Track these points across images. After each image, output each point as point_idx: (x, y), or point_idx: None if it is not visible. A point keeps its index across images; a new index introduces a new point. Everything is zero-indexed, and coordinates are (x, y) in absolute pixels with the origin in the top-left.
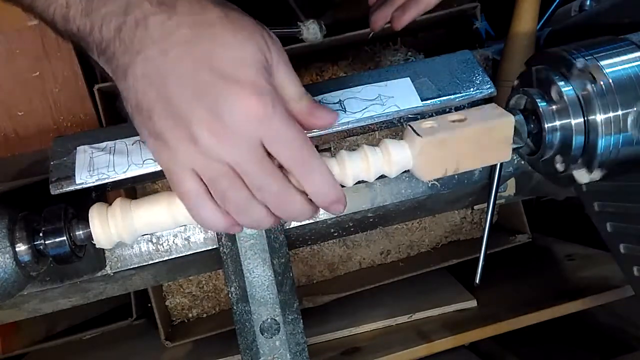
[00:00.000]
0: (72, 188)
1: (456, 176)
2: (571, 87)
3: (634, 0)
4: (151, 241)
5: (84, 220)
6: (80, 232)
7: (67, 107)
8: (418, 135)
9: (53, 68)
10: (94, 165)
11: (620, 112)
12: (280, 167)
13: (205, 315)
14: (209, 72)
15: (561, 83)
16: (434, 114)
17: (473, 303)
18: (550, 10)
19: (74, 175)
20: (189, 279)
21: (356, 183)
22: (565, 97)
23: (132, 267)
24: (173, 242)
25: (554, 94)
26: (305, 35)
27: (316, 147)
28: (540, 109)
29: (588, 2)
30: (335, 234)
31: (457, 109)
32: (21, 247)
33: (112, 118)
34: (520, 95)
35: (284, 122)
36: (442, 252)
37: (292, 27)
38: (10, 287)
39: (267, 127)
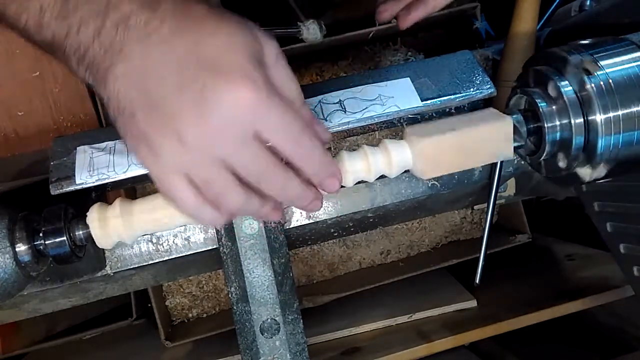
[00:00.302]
0: (72, 188)
1: (456, 176)
2: (571, 87)
3: (634, 0)
4: (151, 241)
5: (84, 220)
6: (80, 232)
7: (67, 107)
8: (418, 135)
9: (53, 68)
10: (94, 166)
11: (620, 112)
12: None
13: (205, 315)
14: (194, 64)
15: (561, 83)
16: (434, 114)
17: (473, 303)
18: (550, 10)
19: (74, 176)
20: (189, 279)
21: (356, 183)
22: (565, 97)
23: (132, 267)
24: (173, 242)
25: (553, 94)
26: (305, 35)
27: None
28: (540, 109)
29: (588, 2)
30: (335, 234)
31: (457, 109)
32: (21, 247)
33: None
34: (520, 95)
35: (281, 108)
36: (442, 252)
37: (292, 27)
38: (10, 287)
39: (263, 115)
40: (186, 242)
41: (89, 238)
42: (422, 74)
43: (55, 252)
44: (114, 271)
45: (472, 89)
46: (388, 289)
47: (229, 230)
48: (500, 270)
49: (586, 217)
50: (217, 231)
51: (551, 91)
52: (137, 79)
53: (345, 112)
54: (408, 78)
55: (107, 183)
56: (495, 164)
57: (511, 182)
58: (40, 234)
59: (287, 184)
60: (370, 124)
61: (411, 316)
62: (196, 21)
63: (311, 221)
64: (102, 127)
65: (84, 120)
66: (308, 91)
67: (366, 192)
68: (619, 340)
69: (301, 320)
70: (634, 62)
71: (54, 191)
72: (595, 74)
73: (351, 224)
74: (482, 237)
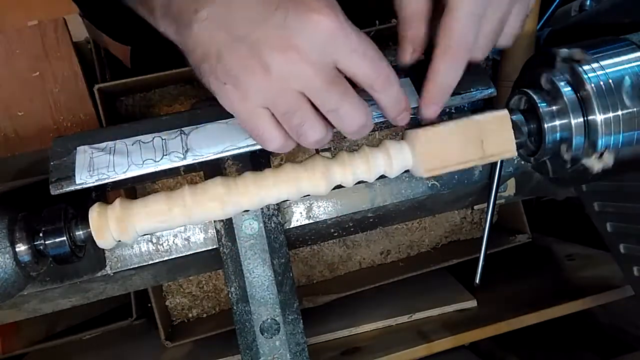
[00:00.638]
0: (72, 188)
1: (456, 176)
2: (570, 88)
3: (634, 0)
4: (151, 241)
5: (84, 220)
6: (80, 232)
7: (67, 107)
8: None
9: (53, 68)
10: (94, 166)
11: (620, 112)
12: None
13: (205, 315)
14: None
15: (561, 83)
16: None
17: (473, 303)
18: (550, 10)
19: (74, 176)
20: (189, 279)
21: (356, 183)
22: (565, 98)
23: (132, 267)
24: (173, 242)
25: (553, 94)
26: None
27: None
28: (540, 109)
29: (588, 2)
30: (335, 234)
31: (457, 109)
32: (21, 247)
33: (112, 118)
34: (520, 96)
35: (357, 34)
36: (442, 252)
37: None
38: (10, 287)
39: (344, 41)
40: (186, 242)
41: (89, 238)
42: (422, 74)
43: (55, 252)
44: (114, 271)
45: (472, 89)
46: (388, 289)
47: (229, 231)
48: (500, 270)
49: (586, 217)
50: (217, 231)
51: (551, 91)
52: (222, 19)
53: None
54: (408, 78)
55: (107, 183)
56: (495, 163)
57: (511, 182)
58: (40, 234)
59: (358, 113)
60: None
61: (411, 316)
62: None
63: (311, 221)
64: (102, 127)
65: (84, 120)
66: None
67: (366, 192)
68: (619, 340)
69: (301, 320)
70: (634, 62)
71: (54, 191)
72: (595, 74)
73: (351, 224)
74: (482, 237)
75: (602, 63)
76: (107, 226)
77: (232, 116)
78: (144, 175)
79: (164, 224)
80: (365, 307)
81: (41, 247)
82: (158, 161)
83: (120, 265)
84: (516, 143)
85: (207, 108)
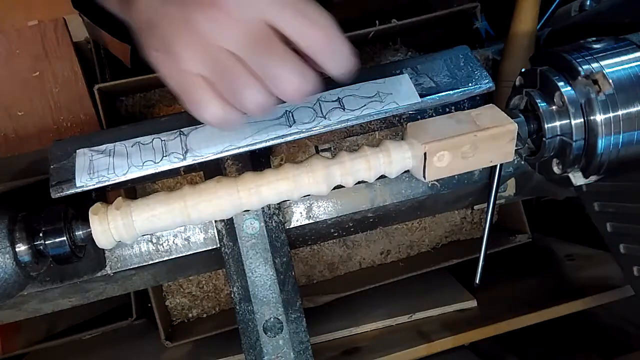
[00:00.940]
0: (72, 191)
1: (456, 176)
2: (571, 88)
3: (634, 0)
4: (151, 241)
5: (84, 220)
6: (80, 232)
7: (67, 107)
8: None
9: (53, 68)
10: (94, 168)
11: (620, 112)
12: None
13: (205, 315)
14: None
15: (561, 84)
16: (432, 111)
17: (473, 303)
18: (550, 10)
19: (74, 179)
20: (189, 279)
21: (356, 183)
22: (565, 98)
23: (132, 267)
24: (173, 242)
25: (553, 95)
26: None
27: (316, 147)
28: (541, 110)
29: (588, 2)
30: (335, 234)
31: (456, 104)
32: (21, 247)
33: (112, 118)
34: (521, 96)
35: None
36: (442, 252)
37: None
38: (10, 287)
39: None
40: (186, 242)
41: (89, 238)
42: (420, 70)
43: (55, 252)
44: (114, 271)
45: (470, 84)
46: (388, 289)
47: (230, 230)
48: (500, 270)
49: (586, 217)
50: (219, 231)
51: (551, 91)
52: None
53: (344, 110)
54: (406, 74)
55: (107, 185)
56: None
57: (511, 182)
58: (40, 234)
59: (299, 76)
60: (370, 122)
61: (411, 316)
62: None
63: (311, 221)
64: (102, 127)
65: (84, 120)
66: None
67: (366, 192)
68: (619, 340)
69: (304, 319)
70: (634, 62)
71: (55, 195)
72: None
73: (351, 224)
74: (482, 237)
75: (602, 63)
76: (107, 226)
77: None
78: (143, 177)
79: (164, 224)
80: (365, 307)
81: (41, 247)
82: (158, 162)
83: (120, 265)
84: (517, 149)
85: None
